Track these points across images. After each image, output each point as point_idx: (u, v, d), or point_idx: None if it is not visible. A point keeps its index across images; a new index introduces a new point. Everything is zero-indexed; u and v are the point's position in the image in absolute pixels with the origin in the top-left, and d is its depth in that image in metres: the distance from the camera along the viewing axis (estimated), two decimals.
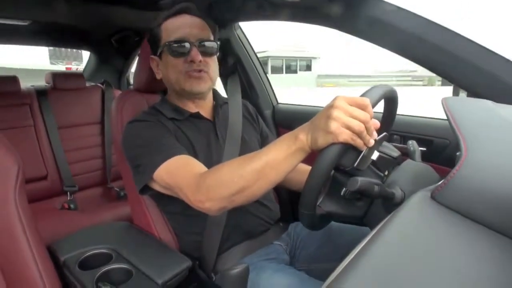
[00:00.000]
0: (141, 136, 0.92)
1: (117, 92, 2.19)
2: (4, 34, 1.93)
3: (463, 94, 0.94)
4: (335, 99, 0.62)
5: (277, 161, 0.68)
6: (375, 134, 0.63)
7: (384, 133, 0.70)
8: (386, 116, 0.85)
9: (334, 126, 0.59)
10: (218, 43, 1.03)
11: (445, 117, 0.59)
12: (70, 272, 0.89)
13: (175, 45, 0.95)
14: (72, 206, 1.86)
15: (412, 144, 0.84)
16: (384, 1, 0.98)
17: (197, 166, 0.84)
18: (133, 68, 2.52)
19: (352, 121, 0.59)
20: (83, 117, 2.06)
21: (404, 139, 1.26)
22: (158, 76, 1.04)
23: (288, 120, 1.72)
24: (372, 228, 0.51)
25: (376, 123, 0.64)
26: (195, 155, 0.95)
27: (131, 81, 2.60)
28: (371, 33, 1.04)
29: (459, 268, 0.42)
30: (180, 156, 0.86)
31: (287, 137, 0.68)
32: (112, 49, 2.28)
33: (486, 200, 0.46)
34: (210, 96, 1.10)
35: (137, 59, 2.21)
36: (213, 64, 1.01)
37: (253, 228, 1.03)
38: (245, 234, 1.01)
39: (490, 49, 0.87)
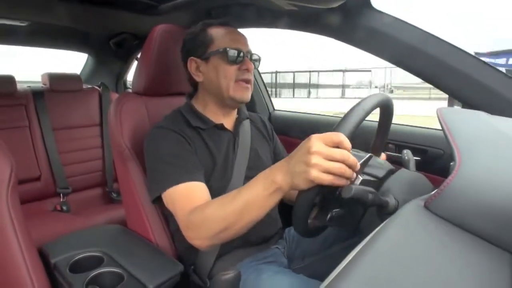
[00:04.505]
0: (161, 149, 0.94)
1: (114, 95, 2.19)
2: (2, 35, 1.93)
3: (458, 106, 0.95)
4: (310, 140, 0.61)
5: (256, 202, 0.70)
6: (358, 165, 0.62)
7: (368, 155, 0.69)
8: (381, 126, 0.85)
9: (314, 173, 0.59)
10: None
11: (440, 127, 0.59)
12: (61, 275, 0.88)
13: (233, 51, 0.97)
14: (64, 208, 1.85)
15: (407, 153, 0.84)
16: (382, 12, 0.99)
17: (197, 197, 0.85)
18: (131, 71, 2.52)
19: (331, 165, 0.59)
20: (80, 119, 2.05)
21: (399, 148, 1.27)
22: (199, 79, 1.03)
23: (284, 127, 1.73)
24: (365, 235, 0.51)
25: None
26: (213, 163, 0.98)
27: (128, 84, 2.60)
28: (368, 43, 1.05)
29: (451, 278, 0.42)
30: (186, 184, 0.87)
31: (263, 178, 0.69)
32: (110, 52, 2.29)
33: (479, 210, 0.47)
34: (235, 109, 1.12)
35: (135, 62, 2.22)
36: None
37: (255, 237, 1.03)
38: (246, 241, 1.01)
39: (485, 62, 0.88)
